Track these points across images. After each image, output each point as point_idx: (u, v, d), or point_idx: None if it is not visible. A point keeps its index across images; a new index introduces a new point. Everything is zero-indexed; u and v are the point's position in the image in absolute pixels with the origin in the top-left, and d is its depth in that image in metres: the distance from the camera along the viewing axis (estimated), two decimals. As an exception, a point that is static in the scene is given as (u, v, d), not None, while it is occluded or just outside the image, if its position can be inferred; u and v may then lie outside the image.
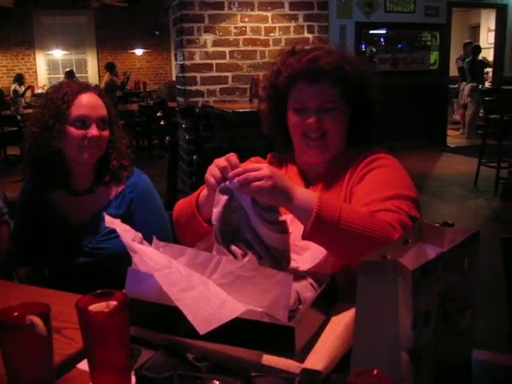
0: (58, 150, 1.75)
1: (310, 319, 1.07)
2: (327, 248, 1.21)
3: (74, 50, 13.75)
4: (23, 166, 1.86)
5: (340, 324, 1.12)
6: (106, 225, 1.15)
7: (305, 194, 1.20)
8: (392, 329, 0.87)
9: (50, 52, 13.50)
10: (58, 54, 13.59)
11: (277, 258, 1.16)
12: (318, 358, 1.00)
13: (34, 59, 13.35)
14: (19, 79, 11.69)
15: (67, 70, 12.34)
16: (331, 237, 1.17)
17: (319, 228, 1.15)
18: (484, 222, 5.12)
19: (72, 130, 1.73)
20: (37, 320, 0.89)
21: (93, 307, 0.95)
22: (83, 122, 1.73)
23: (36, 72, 13.26)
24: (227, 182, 1.16)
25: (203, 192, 1.35)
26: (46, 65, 13.54)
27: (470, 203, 5.89)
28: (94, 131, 1.73)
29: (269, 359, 1.00)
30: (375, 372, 0.77)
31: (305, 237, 1.17)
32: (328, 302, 1.17)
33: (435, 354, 0.90)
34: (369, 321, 0.89)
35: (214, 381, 0.89)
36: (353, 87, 1.45)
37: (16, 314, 0.92)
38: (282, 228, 1.17)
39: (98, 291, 0.98)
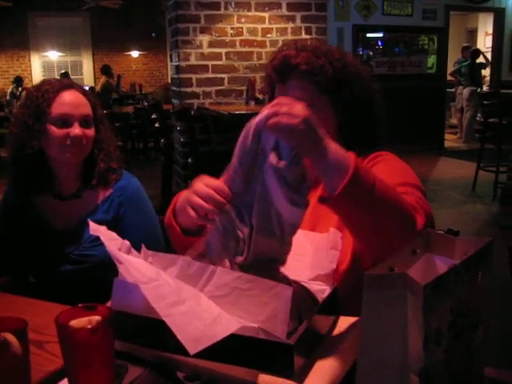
0: (40, 151, 1.68)
1: (310, 335, 0.99)
2: (353, 216, 1.05)
3: (69, 52, 13.69)
4: (7, 168, 1.78)
5: (342, 339, 1.05)
6: (91, 232, 1.08)
7: (339, 148, 1.03)
8: (400, 349, 0.79)
9: (45, 53, 13.43)
10: (54, 55, 13.52)
11: (284, 233, 1.04)
12: (318, 378, 0.93)
13: (29, 61, 13.28)
14: (18, 81, 11.62)
15: (62, 71, 12.30)
16: (362, 201, 1.02)
17: (354, 188, 0.99)
18: (483, 227, 5.06)
19: (53, 129, 1.65)
20: (11, 338, 0.81)
21: (74, 323, 0.87)
22: (65, 121, 1.65)
23: (31, 74, 13.18)
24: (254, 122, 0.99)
25: (181, 201, 1.19)
26: (42, 66, 13.47)
27: (468, 208, 5.84)
28: (76, 130, 1.65)
29: (265, 379, 0.92)
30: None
31: (336, 195, 0.99)
32: (329, 317, 1.10)
33: (446, 375, 0.83)
34: (375, 340, 0.81)
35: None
36: (330, 83, 1.36)
37: (-12, 330, 0.84)
38: (303, 202, 1.00)
39: (80, 305, 0.91)
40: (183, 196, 1.17)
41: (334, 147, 1.01)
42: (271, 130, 0.96)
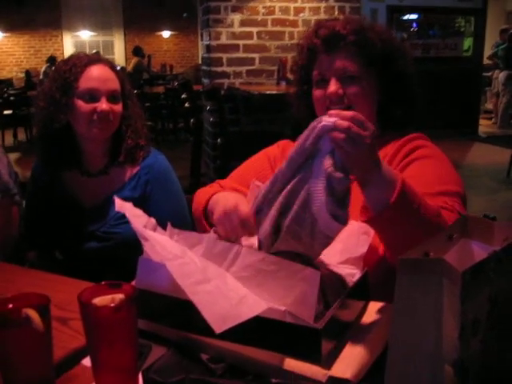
0: (67, 127, 1.66)
1: (338, 320, 0.96)
2: (397, 230, 1.03)
3: (101, 32, 13.75)
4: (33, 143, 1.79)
5: (371, 326, 1.01)
6: (116, 209, 1.06)
7: (388, 165, 1.04)
8: (435, 338, 0.75)
9: (77, 33, 13.52)
10: (86, 35, 13.60)
11: (314, 243, 1.01)
12: (346, 365, 0.90)
13: (62, 40, 13.39)
14: (52, 61, 11.70)
15: (94, 51, 12.34)
16: (408, 216, 1.01)
17: (402, 202, 0.99)
18: (517, 215, 4.93)
19: (80, 103, 1.63)
20: (33, 314, 0.79)
21: (97, 301, 0.85)
22: (92, 96, 1.63)
23: (63, 53, 13.27)
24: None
25: (216, 207, 1.22)
26: (74, 46, 13.57)
27: (502, 195, 5.69)
28: (103, 105, 1.62)
29: (292, 364, 0.90)
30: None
31: (388, 208, 0.99)
32: (358, 301, 1.06)
33: (483, 367, 0.79)
34: (408, 328, 0.78)
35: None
36: (377, 56, 1.33)
37: (11, 306, 0.83)
38: (344, 217, 0.98)
39: (103, 282, 0.89)
40: (219, 202, 1.21)
41: (384, 162, 1.01)
42: (335, 138, 0.93)
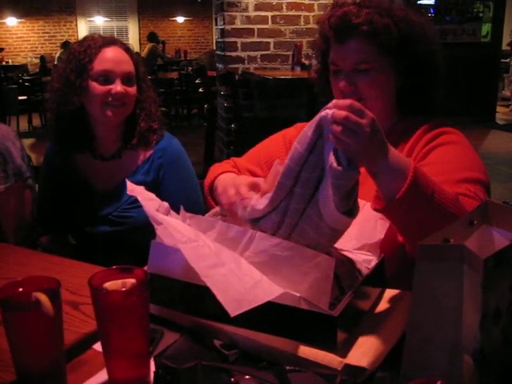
0: (81, 109, 1.65)
1: (354, 308, 0.94)
2: (408, 221, 1.01)
3: (115, 17, 13.73)
4: (46, 127, 1.77)
5: (388, 313, 0.99)
6: (128, 192, 1.04)
7: (398, 153, 1.00)
8: (454, 327, 0.73)
9: (91, 19, 13.50)
10: (100, 20, 13.58)
11: (322, 239, 0.98)
12: (362, 353, 0.88)
13: (76, 26, 13.39)
14: (67, 46, 11.68)
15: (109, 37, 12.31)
16: (422, 206, 0.98)
17: (414, 190, 0.96)
18: (534, 203, 4.86)
19: (95, 85, 1.61)
20: (43, 298, 0.78)
21: (108, 285, 0.84)
22: (107, 78, 1.61)
23: (77, 39, 13.18)
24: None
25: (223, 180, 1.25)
26: (88, 32, 13.51)
27: (519, 183, 5.61)
28: (118, 87, 1.60)
29: (306, 351, 0.88)
30: None
31: (398, 198, 0.95)
32: (374, 289, 1.04)
33: (503, 357, 0.76)
34: (426, 316, 0.75)
35: (245, 376, 0.77)
36: (393, 44, 1.26)
37: (21, 289, 0.82)
38: (353, 210, 0.95)
39: (115, 267, 0.87)
40: (227, 177, 1.23)
41: (393, 150, 0.97)
42: (334, 131, 0.89)
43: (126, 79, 1.63)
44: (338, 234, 0.98)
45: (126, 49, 1.68)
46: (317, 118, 0.93)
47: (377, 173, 0.97)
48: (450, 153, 1.23)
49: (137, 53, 1.80)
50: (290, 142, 1.46)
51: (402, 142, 1.30)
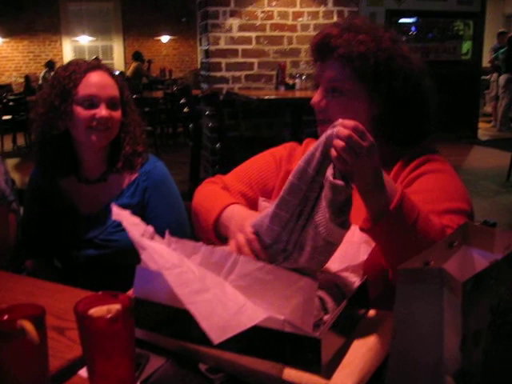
0: (65, 133, 1.65)
1: (338, 329, 0.95)
2: (389, 245, 1.04)
3: (100, 37, 13.74)
4: (32, 151, 1.77)
5: (372, 334, 1.00)
6: (113, 217, 1.05)
7: (388, 178, 1.04)
8: (435, 349, 0.74)
9: (76, 38, 13.51)
10: (85, 40, 13.59)
11: (322, 252, 1.01)
12: (347, 374, 0.88)
13: (61, 45, 13.37)
14: (50, 65, 11.70)
15: (94, 57, 12.32)
16: (406, 228, 1.01)
17: (400, 213, 0.99)
18: (517, 218, 4.93)
19: (79, 109, 1.62)
20: (28, 326, 0.78)
21: (93, 311, 0.84)
22: (91, 102, 1.62)
23: (62, 58, 13.26)
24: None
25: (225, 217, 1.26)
26: (73, 51, 13.55)
27: (502, 198, 5.68)
28: (103, 111, 1.61)
29: (291, 374, 0.89)
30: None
31: (386, 216, 0.99)
32: (358, 310, 1.05)
33: (484, 378, 0.78)
34: (408, 338, 0.77)
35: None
36: (369, 72, 1.25)
37: (6, 317, 0.82)
38: (346, 222, 0.98)
39: (100, 292, 0.88)
40: (234, 217, 1.23)
41: (384, 176, 1.01)
42: (336, 145, 0.93)
43: (111, 103, 1.64)
44: (331, 247, 1.00)
45: (111, 73, 1.69)
46: (323, 137, 0.97)
47: (366, 193, 1.01)
48: (435, 182, 1.24)
49: (122, 73, 1.81)
50: (280, 161, 1.46)
51: (385, 169, 1.29)
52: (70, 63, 1.71)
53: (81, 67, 1.65)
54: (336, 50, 1.27)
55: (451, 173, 1.29)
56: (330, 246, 1.00)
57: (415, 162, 1.28)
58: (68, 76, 1.63)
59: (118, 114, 1.66)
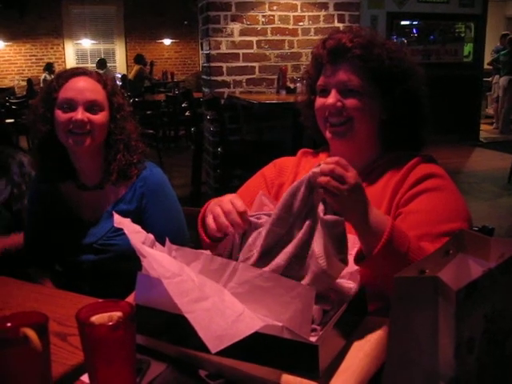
0: (57, 140, 1.67)
1: (335, 336, 0.96)
2: (386, 273, 1.05)
3: (102, 40, 13.77)
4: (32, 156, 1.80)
5: (369, 340, 1.01)
6: (115, 225, 1.06)
7: (378, 214, 1.08)
8: (430, 356, 0.76)
9: (78, 41, 13.54)
10: (87, 43, 13.62)
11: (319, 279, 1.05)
12: (344, 380, 0.90)
13: (63, 48, 13.41)
14: (49, 68, 11.75)
15: (99, 59, 12.32)
16: (396, 261, 1.04)
17: (389, 248, 1.05)
18: (518, 221, 4.93)
19: (59, 113, 1.64)
20: (31, 333, 0.80)
21: (95, 319, 0.86)
22: (70, 105, 1.63)
23: (65, 61, 13.31)
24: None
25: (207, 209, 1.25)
26: (75, 54, 13.58)
27: (504, 201, 5.68)
28: (79, 114, 1.61)
29: (290, 380, 0.90)
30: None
31: (374, 254, 1.04)
32: (356, 316, 1.06)
33: (479, 384, 0.79)
34: (404, 345, 0.78)
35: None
36: (383, 73, 1.30)
37: (9, 324, 0.84)
38: (343, 259, 1.03)
39: (101, 300, 0.89)
40: (210, 205, 1.23)
41: (374, 213, 1.06)
42: (321, 182, 1.00)
43: (90, 107, 1.64)
44: (331, 279, 1.04)
45: (99, 79, 1.69)
46: (306, 176, 1.05)
47: (357, 227, 1.06)
48: (434, 201, 1.24)
49: (124, 76, 1.83)
50: (271, 182, 1.48)
51: (385, 177, 1.32)
52: (60, 71, 1.77)
53: (66, 73, 1.68)
54: (351, 51, 1.29)
55: (451, 189, 1.28)
56: (327, 278, 1.03)
57: (416, 176, 1.28)
58: (52, 81, 1.68)
59: (99, 117, 1.65)
